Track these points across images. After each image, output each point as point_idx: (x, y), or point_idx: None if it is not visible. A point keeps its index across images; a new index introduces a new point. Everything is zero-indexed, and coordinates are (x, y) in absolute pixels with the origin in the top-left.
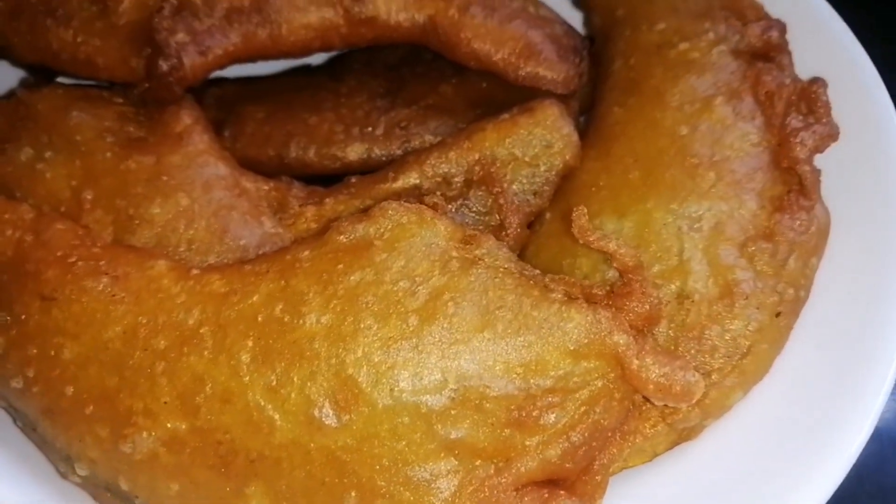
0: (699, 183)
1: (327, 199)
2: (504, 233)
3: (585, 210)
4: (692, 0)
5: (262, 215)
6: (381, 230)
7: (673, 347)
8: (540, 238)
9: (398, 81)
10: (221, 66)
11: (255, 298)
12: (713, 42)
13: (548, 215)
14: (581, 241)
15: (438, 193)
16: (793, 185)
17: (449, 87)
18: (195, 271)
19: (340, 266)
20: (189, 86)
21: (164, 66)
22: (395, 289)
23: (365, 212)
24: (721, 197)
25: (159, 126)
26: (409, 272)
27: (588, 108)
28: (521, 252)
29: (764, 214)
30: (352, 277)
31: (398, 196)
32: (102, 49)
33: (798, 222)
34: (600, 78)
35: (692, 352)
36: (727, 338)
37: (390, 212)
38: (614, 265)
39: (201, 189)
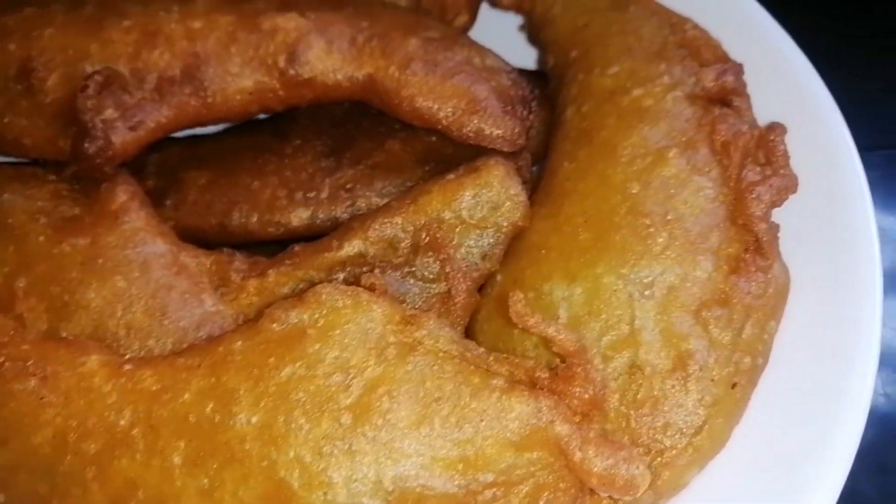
0: (651, 245)
1: (270, 271)
2: (452, 301)
3: (521, 296)
4: (647, 39)
5: (202, 293)
6: (315, 317)
7: (624, 424)
8: (491, 302)
9: (344, 138)
10: (155, 140)
11: (186, 397)
12: (668, 87)
13: (499, 277)
14: (520, 327)
15: (377, 271)
16: (749, 243)
17: (396, 142)
18: (127, 367)
19: (272, 359)
20: (122, 161)
21: (90, 147)
22: (328, 383)
23: (299, 296)
24: (674, 259)
25: (94, 204)
26: (342, 363)
27: (541, 156)
28: (473, 316)
29: (719, 276)
30: (283, 372)
31: (343, 265)
32: (29, 129)
33: (754, 284)
34: (553, 125)
35: (644, 429)
36: (681, 413)
37: (324, 296)
38: (555, 350)
39: (139, 270)
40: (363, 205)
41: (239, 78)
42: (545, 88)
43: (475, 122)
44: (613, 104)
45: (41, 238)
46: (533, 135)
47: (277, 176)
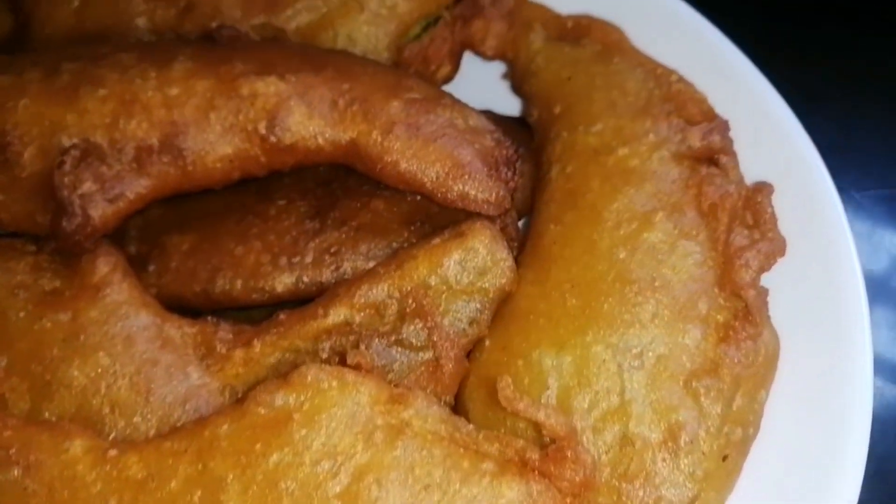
0: (639, 313)
1: (255, 341)
2: (440, 369)
3: (509, 381)
4: (632, 93)
5: (187, 365)
6: (301, 399)
7: (616, 497)
8: (480, 368)
9: (329, 198)
10: (135, 211)
11: (173, 485)
12: (654, 146)
13: (487, 343)
14: (510, 411)
15: (363, 345)
16: (738, 310)
17: (381, 202)
18: (112, 452)
19: (259, 445)
20: (103, 234)
21: (68, 225)
22: (316, 471)
23: (285, 377)
24: (663, 328)
25: (75, 276)
26: (330, 450)
27: (527, 212)
28: (462, 383)
29: (708, 345)
30: (271, 459)
31: (329, 333)
32: (6, 204)
33: (744, 353)
34: (538, 182)
35: (636, 503)
36: (672, 488)
37: (310, 378)
38: (545, 434)
39: (122, 345)
40: (349, 268)
41: (219, 145)
42: (529, 138)
43: (459, 186)
44: (598, 164)
45: (21, 314)
46: (518, 191)
47: (261, 240)
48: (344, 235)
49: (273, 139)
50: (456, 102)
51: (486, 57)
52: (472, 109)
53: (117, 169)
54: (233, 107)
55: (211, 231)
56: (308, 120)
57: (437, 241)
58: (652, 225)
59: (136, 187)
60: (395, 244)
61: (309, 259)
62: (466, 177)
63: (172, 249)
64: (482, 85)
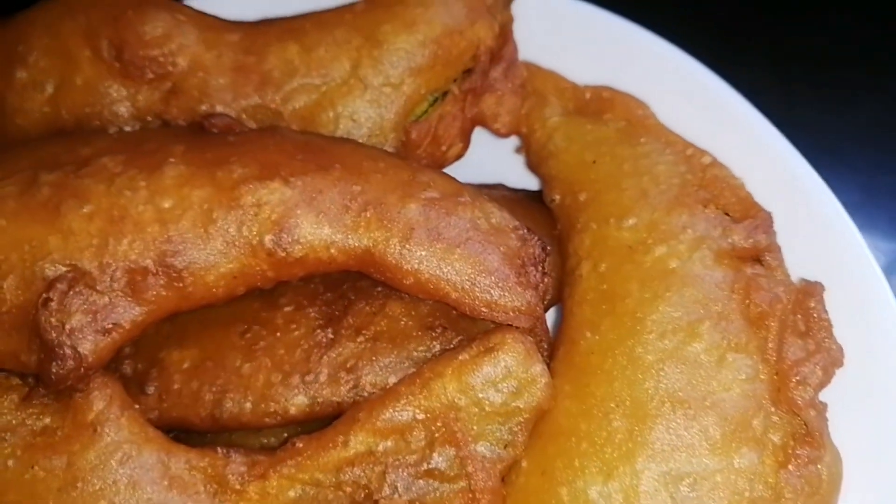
0: (691, 436)
1: (271, 473)
2: (474, 500)
3: None
4: (663, 180)
5: None
6: None
7: None
8: (518, 494)
9: (340, 302)
10: (131, 340)
11: None
12: (693, 244)
13: (524, 464)
14: None
15: (390, 480)
16: (797, 430)
17: (397, 305)
18: None
19: None
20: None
21: (58, 370)
22: None
23: None
24: (717, 452)
25: (68, 412)
26: None
27: (553, 303)
28: None
29: (767, 471)
30: None
31: (351, 464)
32: None
33: (806, 479)
34: (567, 278)
35: None
36: None
37: None
38: None
39: (126, 490)
40: (367, 384)
41: (220, 262)
42: (548, 216)
43: (487, 295)
44: (634, 264)
45: (10, 462)
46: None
47: (270, 356)
48: (360, 347)
49: (281, 253)
50: (475, 197)
51: (500, 135)
52: (493, 204)
53: (109, 296)
54: (234, 219)
55: (213, 345)
56: (318, 229)
57: (464, 356)
58: (698, 336)
59: (132, 315)
60: (415, 354)
61: (324, 377)
62: (494, 285)
63: (173, 368)
64: (489, 154)
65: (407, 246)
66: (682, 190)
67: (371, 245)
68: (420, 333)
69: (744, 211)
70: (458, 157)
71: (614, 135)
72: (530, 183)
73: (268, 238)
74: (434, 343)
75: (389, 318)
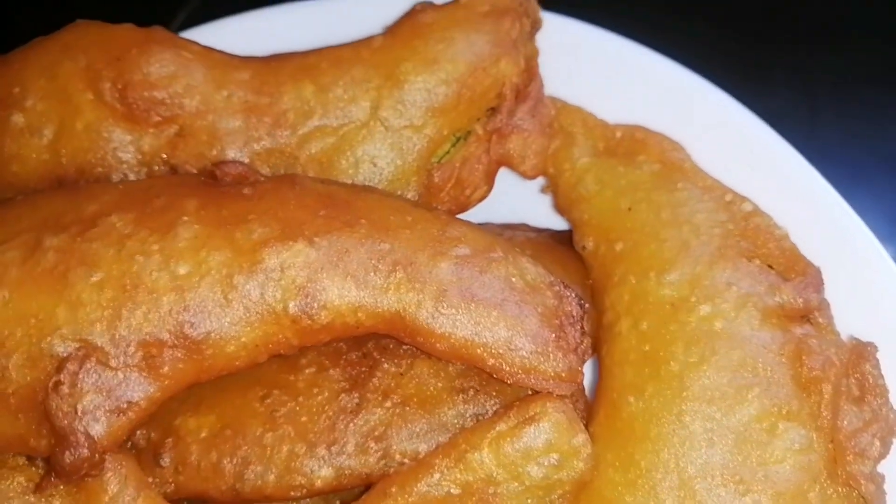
0: None
1: None
2: None
3: None
4: (704, 231)
5: None
6: None
7: None
8: None
9: (364, 363)
10: (147, 419)
11: None
12: (739, 302)
13: None
14: None
15: None
16: (855, 503)
17: (425, 365)
18: None
19: None
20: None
21: (71, 459)
22: None
23: None
24: None
25: (80, 494)
26: None
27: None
28: None
29: None
30: None
31: None
32: None
33: None
34: (604, 333)
35: None
36: None
37: None
38: None
39: None
40: (397, 453)
41: (242, 333)
42: (577, 259)
43: (526, 362)
44: (678, 324)
45: None
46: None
47: (293, 424)
48: (388, 413)
49: (307, 320)
50: (508, 252)
51: (527, 177)
52: (526, 258)
53: (123, 373)
54: (256, 284)
55: (232, 412)
56: (345, 293)
57: (502, 426)
58: (748, 403)
59: (147, 392)
60: (446, 419)
61: (351, 447)
62: (533, 350)
63: (189, 437)
64: (510, 190)
65: (439, 309)
66: (724, 241)
67: (401, 308)
68: (450, 396)
69: (788, 264)
70: (482, 199)
71: (649, 179)
72: (553, 220)
73: (292, 304)
74: (466, 407)
75: (417, 380)
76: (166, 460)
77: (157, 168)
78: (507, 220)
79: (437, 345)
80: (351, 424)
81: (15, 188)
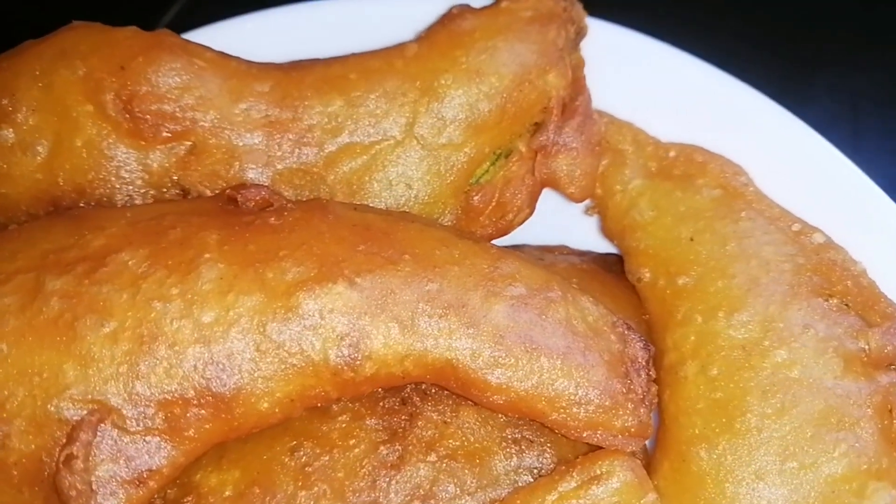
0: None
1: None
2: None
3: None
4: (773, 266)
5: None
6: None
7: None
8: None
9: (404, 411)
10: (169, 485)
11: None
12: (818, 347)
13: None
14: None
15: None
16: None
17: (470, 413)
18: None
19: None
20: None
21: None
22: None
23: None
24: None
25: None
26: None
27: None
28: None
29: None
30: None
31: None
32: None
33: None
34: (664, 374)
35: None
36: None
37: None
38: None
39: None
40: None
41: (276, 388)
42: (625, 284)
43: (594, 416)
44: (752, 371)
45: None
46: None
47: (327, 481)
48: (434, 468)
49: (349, 373)
50: (566, 290)
51: (575, 200)
52: (586, 297)
53: (142, 437)
54: (292, 333)
55: (259, 466)
56: (391, 341)
57: (565, 485)
58: (834, 460)
59: (170, 457)
60: (495, 472)
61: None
62: (600, 404)
63: (212, 497)
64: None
65: (497, 359)
66: (796, 278)
67: (453, 358)
68: (501, 449)
69: (867, 303)
70: (522, 223)
71: (710, 206)
72: (593, 240)
73: (333, 354)
74: (519, 460)
75: (463, 430)
76: None
77: (165, 190)
78: (543, 240)
79: (494, 398)
80: (393, 482)
81: (4, 211)
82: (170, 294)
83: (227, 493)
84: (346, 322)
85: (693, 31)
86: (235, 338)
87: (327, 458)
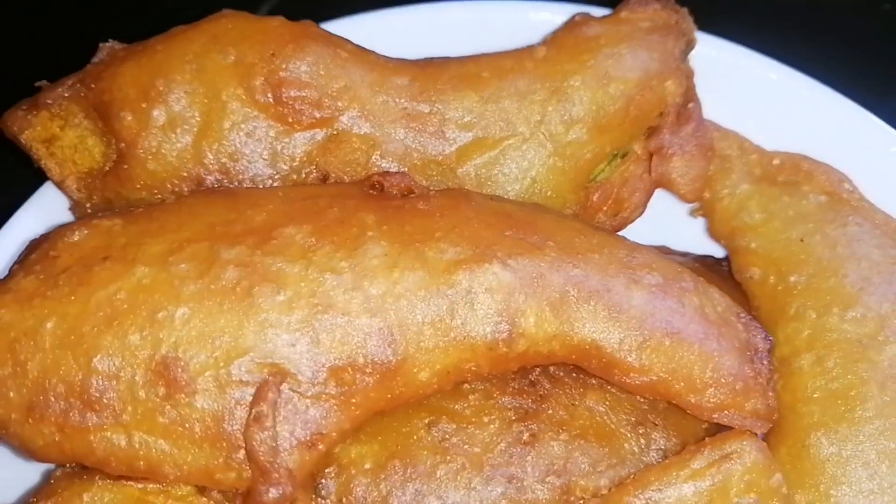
0: None
1: None
2: None
3: None
4: (884, 268)
5: None
6: None
7: None
8: None
9: (533, 391)
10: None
11: None
12: None
13: None
14: None
15: None
16: None
17: (596, 395)
18: None
19: None
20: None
21: (276, 496)
22: None
23: None
24: None
25: None
26: None
27: None
28: None
29: None
30: None
31: None
32: (171, 456)
33: None
34: (778, 366)
35: None
36: None
37: None
38: None
39: None
40: (578, 489)
41: (436, 359)
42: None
43: (727, 399)
44: (869, 363)
45: None
46: None
47: (465, 455)
48: (566, 446)
49: (503, 348)
50: (696, 282)
51: (686, 200)
52: (714, 288)
53: (315, 402)
54: (452, 309)
55: (398, 440)
56: (543, 322)
57: (697, 463)
58: None
59: (339, 422)
60: (622, 452)
61: (530, 480)
62: (733, 386)
63: (353, 468)
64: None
65: (642, 343)
66: None
67: (599, 340)
68: (629, 431)
69: None
70: (635, 220)
71: (817, 210)
72: (690, 243)
73: (490, 330)
74: (647, 442)
75: (591, 414)
76: (329, 489)
77: (305, 174)
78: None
79: (635, 379)
80: (529, 457)
81: (150, 188)
82: (340, 267)
83: (367, 465)
84: (501, 300)
85: (772, 37)
86: (402, 310)
87: (464, 433)
